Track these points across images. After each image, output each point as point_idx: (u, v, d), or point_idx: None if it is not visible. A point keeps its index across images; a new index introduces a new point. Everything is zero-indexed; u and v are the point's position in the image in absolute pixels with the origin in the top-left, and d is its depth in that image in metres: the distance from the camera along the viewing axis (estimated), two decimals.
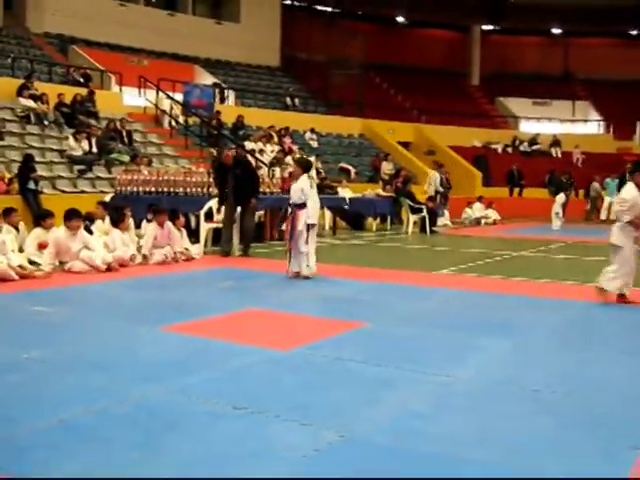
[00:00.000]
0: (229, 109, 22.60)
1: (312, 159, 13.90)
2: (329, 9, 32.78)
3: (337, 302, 7.47)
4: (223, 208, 11.29)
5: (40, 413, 3.69)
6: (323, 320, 6.53)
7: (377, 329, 5.97)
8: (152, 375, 4.44)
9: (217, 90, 22.94)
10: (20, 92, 16.90)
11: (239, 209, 11.07)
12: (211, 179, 12.16)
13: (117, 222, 9.66)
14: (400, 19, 34.80)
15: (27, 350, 4.91)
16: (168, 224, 10.01)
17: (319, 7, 32.71)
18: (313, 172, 12.48)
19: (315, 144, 23.72)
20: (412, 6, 33.11)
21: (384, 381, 4.44)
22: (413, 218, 16.93)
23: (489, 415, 3.89)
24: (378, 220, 17.96)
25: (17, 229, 9.56)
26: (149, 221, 10.34)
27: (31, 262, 8.57)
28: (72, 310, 6.61)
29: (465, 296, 7.84)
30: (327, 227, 15.62)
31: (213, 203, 11.63)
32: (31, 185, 13.52)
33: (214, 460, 3.17)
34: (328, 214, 15.66)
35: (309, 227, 8.75)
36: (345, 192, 17.41)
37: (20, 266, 8.07)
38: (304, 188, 8.80)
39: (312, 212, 8.80)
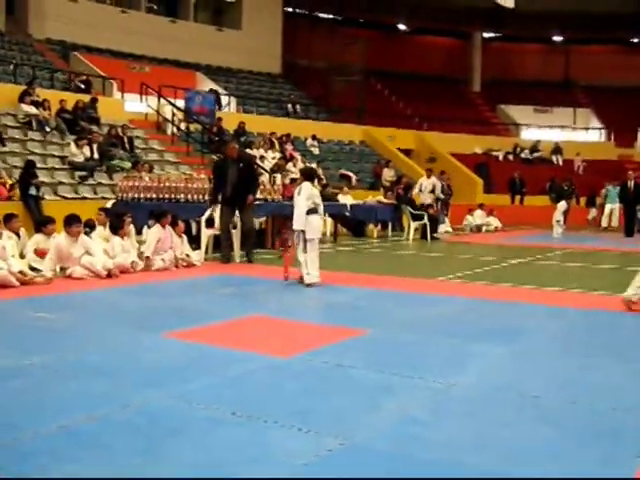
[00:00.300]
0: (230, 116, 22.64)
1: (314, 166, 13.92)
2: (330, 16, 32.93)
3: (338, 308, 7.48)
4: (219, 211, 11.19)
5: (42, 419, 3.69)
6: (324, 326, 6.54)
7: (378, 335, 5.97)
8: (153, 381, 4.45)
9: (215, 97, 22.97)
10: (22, 98, 16.95)
11: (237, 212, 10.90)
12: (212, 185, 12.13)
13: (117, 229, 9.66)
14: (401, 26, 34.93)
15: (29, 356, 4.91)
16: (169, 228, 10.01)
17: (320, 14, 32.83)
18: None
19: (316, 151, 23.76)
20: (413, 13, 33.24)
21: (385, 387, 4.44)
22: (414, 225, 16.94)
23: (489, 421, 3.88)
24: (379, 227, 17.98)
25: (18, 235, 9.54)
26: (150, 227, 10.34)
27: (32, 268, 8.56)
28: (74, 316, 6.61)
29: (465, 302, 7.84)
30: (328, 234, 15.63)
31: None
32: (32, 191, 13.55)
33: (214, 466, 3.17)
34: (329, 221, 15.68)
35: (303, 235, 8.59)
36: (346, 199, 17.42)
37: (21, 272, 8.05)
38: (294, 196, 8.80)
39: (295, 218, 8.64)
